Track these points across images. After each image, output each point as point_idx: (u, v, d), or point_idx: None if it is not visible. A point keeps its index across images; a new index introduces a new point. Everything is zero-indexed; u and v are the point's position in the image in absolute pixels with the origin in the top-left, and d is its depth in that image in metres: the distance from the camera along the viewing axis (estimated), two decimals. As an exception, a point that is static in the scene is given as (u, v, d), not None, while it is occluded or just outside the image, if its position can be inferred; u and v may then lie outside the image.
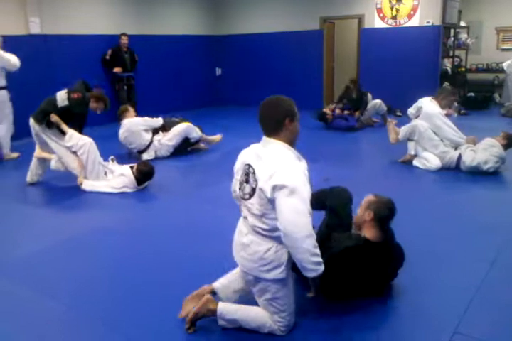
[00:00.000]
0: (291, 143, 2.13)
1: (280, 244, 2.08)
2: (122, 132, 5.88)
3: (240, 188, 2.20)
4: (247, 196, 2.14)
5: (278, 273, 2.12)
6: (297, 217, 1.95)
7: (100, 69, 8.41)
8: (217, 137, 6.45)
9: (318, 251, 2.01)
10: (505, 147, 4.88)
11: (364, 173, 5.15)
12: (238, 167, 2.25)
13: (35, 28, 7.43)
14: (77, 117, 4.83)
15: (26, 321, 2.46)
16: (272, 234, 2.09)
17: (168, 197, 4.54)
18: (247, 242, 2.17)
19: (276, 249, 2.11)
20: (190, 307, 2.31)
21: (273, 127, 2.10)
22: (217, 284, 2.40)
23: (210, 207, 4.12)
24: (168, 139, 5.99)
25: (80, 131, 4.84)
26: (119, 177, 4.68)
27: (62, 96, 4.72)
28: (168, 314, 2.42)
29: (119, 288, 2.76)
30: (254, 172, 2.09)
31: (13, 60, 5.85)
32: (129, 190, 4.61)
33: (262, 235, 2.13)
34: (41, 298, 2.68)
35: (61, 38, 7.77)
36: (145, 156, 5.84)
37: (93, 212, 4.19)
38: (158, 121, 6.03)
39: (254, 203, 2.10)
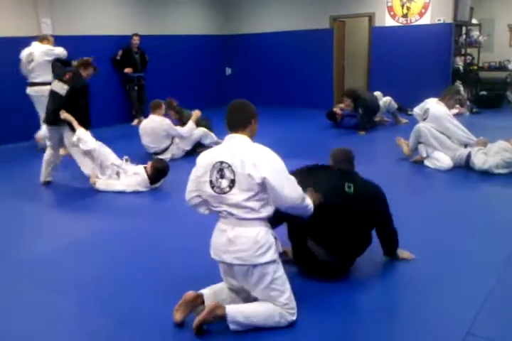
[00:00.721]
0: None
1: (265, 226, 2.28)
2: (146, 126, 5.90)
3: (213, 186, 2.28)
4: (226, 189, 2.25)
5: (272, 253, 2.27)
6: (293, 192, 2.24)
7: (111, 69, 8.47)
8: None
9: (307, 201, 2.34)
10: None
11: (374, 172, 5.12)
12: (202, 171, 2.33)
13: (47, 29, 7.49)
14: (80, 101, 4.73)
15: (39, 319, 2.49)
16: (259, 215, 2.24)
17: (180, 197, 4.53)
18: (234, 235, 2.26)
19: (265, 230, 2.27)
20: (180, 315, 2.34)
21: (241, 125, 2.33)
22: (205, 291, 2.41)
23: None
24: (186, 144, 6.04)
25: (88, 122, 4.79)
26: (132, 176, 4.70)
27: (58, 86, 4.74)
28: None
29: (129, 288, 2.77)
30: (230, 166, 2.24)
31: (59, 50, 6.40)
32: (142, 189, 4.62)
33: (250, 220, 2.24)
34: (53, 297, 2.71)
35: (72, 38, 7.81)
36: (160, 157, 5.88)
37: (106, 212, 4.22)
38: (181, 135, 5.92)
39: (236, 193, 2.22)
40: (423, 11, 8.58)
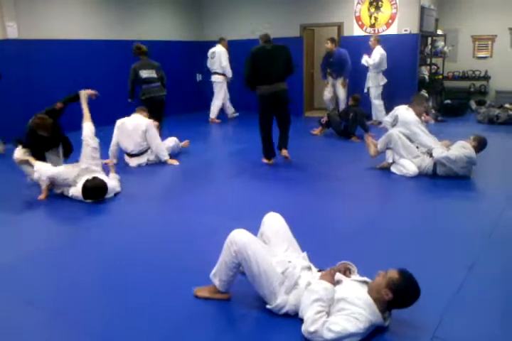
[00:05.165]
0: None
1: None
2: (127, 124, 5.77)
3: None
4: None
5: None
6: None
7: (78, 74, 8.33)
8: (185, 142, 6.45)
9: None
10: (477, 150, 5.00)
11: (341, 178, 5.20)
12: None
13: (13, 33, 7.32)
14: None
15: (8, 329, 2.41)
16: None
17: (142, 204, 4.50)
18: None
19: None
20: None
21: None
22: None
23: (188, 214, 4.11)
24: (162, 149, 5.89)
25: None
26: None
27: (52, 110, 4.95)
28: (143, 322, 2.41)
29: (99, 297, 2.72)
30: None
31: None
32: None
33: None
34: (22, 308, 2.63)
35: (39, 42, 7.67)
36: (134, 162, 5.81)
37: (70, 220, 4.14)
38: (154, 143, 5.80)
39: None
40: (390, 21, 8.78)
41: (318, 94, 9.54)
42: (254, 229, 2.73)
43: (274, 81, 5.46)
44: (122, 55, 8.82)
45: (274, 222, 2.74)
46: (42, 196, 4.59)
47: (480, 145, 5.06)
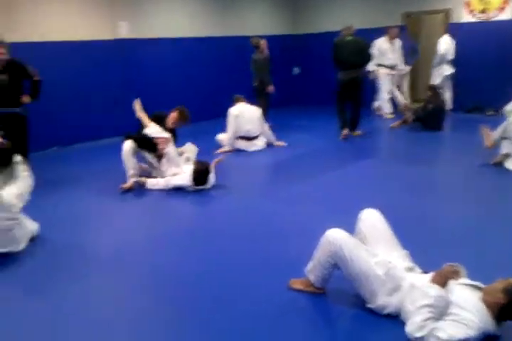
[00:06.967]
0: None
1: None
2: (244, 111, 6.34)
3: None
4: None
5: None
6: None
7: (183, 72, 8.58)
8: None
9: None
10: None
11: (452, 176, 4.91)
12: None
13: (123, 32, 7.65)
14: None
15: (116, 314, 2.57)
16: None
17: (240, 195, 4.58)
18: None
19: None
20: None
21: None
22: None
23: (285, 206, 4.12)
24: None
25: None
26: (179, 173, 4.75)
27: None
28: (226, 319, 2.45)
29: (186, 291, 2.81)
30: None
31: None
32: (185, 186, 4.64)
33: None
34: (141, 297, 2.79)
35: (147, 42, 7.94)
36: (252, 147, 6.34)
37: (163, 213, 4.28)
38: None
39: None
40: (503, 6, 8.11)
41: (422, 84, 9.07)
42: (353, 224, 2.68)
43: (351, 68, 6.49)
44: (226, 51, 8.98)
45: (371, 219, 2.64)
46: (127, 185, 4.74)
47: None
